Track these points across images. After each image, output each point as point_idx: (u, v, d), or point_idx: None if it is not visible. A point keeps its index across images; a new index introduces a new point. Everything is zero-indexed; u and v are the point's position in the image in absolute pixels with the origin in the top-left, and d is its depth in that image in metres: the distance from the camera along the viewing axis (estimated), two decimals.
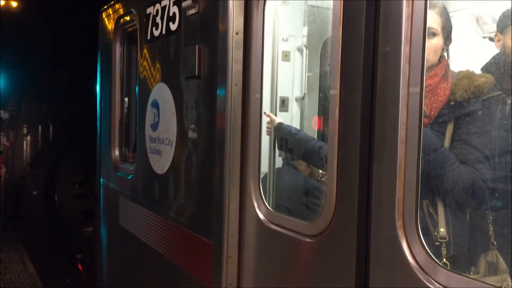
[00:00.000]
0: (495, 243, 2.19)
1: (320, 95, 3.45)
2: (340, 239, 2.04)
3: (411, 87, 1.74)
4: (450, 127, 2.30)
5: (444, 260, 2.09)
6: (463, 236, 2.26)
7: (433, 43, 2.36)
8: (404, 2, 1.76)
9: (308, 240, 2.22)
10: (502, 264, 2.16)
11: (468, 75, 2.29)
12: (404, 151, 1.76)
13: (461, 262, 2.22)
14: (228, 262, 2.62)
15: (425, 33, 1.73)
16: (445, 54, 2.43)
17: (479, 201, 2.21)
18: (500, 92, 2.23)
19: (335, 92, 2.06)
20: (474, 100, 2.21)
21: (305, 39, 3.69)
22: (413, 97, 1.74)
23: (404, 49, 1.76)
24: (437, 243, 2.17)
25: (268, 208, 2.60)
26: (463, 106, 2.26)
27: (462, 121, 2.26)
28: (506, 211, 2.12)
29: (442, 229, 2.19)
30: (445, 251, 2.14)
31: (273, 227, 2.49)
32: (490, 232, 2.22)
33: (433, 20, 2.35)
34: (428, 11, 2.34)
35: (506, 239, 2.14)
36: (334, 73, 2.06)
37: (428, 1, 1.74)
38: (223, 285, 2.64)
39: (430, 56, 2.36)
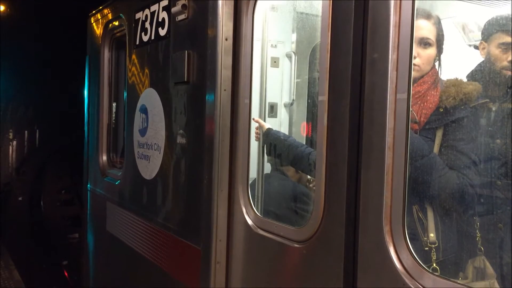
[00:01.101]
0: (482, 248, 2.23)
1: (309, 101, 3.48)
2: (328, 245, 2.05)
3: (399, 93, 1.76)
4: (439, 133, 2.34)
5: (434, 265, 2.11)
6: (452, 241, 2.29)
7: (428, 53, 2.42)
8: (392, 10, 1.78)
9: (296, 245, 2.23)
10: (490, 269, 2.19)
11: (456, 83, 2.33)
12: (392, 157, 1.78)
13: (449, 268, 2.24)
14: (216, 268, 2.61)
15: (412, 40, 1.75)
16: (437, 62, 2.47)
17: (467, 207, 2.24)
18: (487, 100, 2.27)
19: (323, 98, 2.07)
20: (462, 107, 2.25)
21: (294, 46, 3.72)
22: (401, 104, 1.76)
23: (392, 56, 1.78)
24: (427, 248, 2.19)
25: (256, 213, 2.60)
26: (451, 113, 2.29)
27: (451, 127, 2.29)
28: (492, 217, 2.15)
29: (431, 234, 2.21)
30: (434, 256, 2.16)
31: (262, 232, 2.49)
32: (477, 237, 2.25)
33: (429, 31, 2.41)
34: (425, 22, 2.40)
35: (492, 245, 2.17)
36: (323, 79, 2.08)
37: (415, 10, 1.77)
38: None
39: (424, 65, 2.42)
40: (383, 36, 1.80)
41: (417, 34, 2.39)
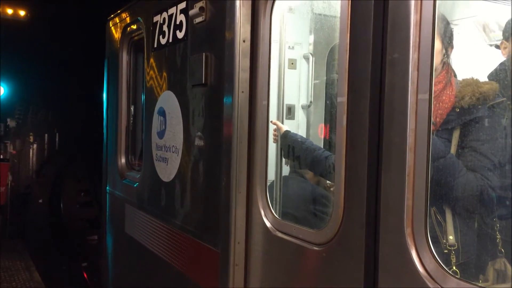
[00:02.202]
0: (503, 250, 2.18)
1: (327, 102, 3.45)
2: (348, 247, 2.03)
3: (420, 94, 1.73)
4: (456, 134, 2.30)
5: (454, 268, 2.07)
6: (471, 244, 2.25)
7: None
8: (412, 8, 1.76)
9: (315, 248, 2.21)
10: (510, 271, 2.14)
11: (472, 82, 2.29)
12: (413, 158, 1.75)
13: (470, 270, 2.20)
14: (235, 270, 2.61)
15: (434, 39, 1.73)
16: (448, 61, 2.42)
17: (487, 208, 2.20)
18: (505, 99, 2.23)
19: (342, 99, 2.05)
20: (479, 106, 2.21)
21: (311, 47, 3.70)
22: (422, 104, 1.73)
23: (413, 55, 1.75)
24: (446, 251, 2.15)
25: (275, 216, 2.59)
26: (468, 113, 2.25)
27: (468, 127, 2.25)
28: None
29: (451, 237, 2.17)
30: (454, 259, 2.12)
31: (280, 235, 2.48)
32: (498, 239, 2.21)
33: None
34: None
35: None
36: (342, 80, 2.06)
37: (437, 8, 1.74)
38: None
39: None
40: (403, 35, 1.77)
41: None
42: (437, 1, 1.74)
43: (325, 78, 3.76)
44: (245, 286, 2.63)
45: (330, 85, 3.60)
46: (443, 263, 1.74)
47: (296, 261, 2.37)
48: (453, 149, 2.29)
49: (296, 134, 3.10)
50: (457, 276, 1.77)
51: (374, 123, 1.90)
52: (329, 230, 2.14)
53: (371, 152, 1.91)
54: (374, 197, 1.91)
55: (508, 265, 2.15)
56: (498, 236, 2.19)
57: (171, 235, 3.39)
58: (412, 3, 1.76)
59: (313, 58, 3.73)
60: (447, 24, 2.38)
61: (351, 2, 2.03)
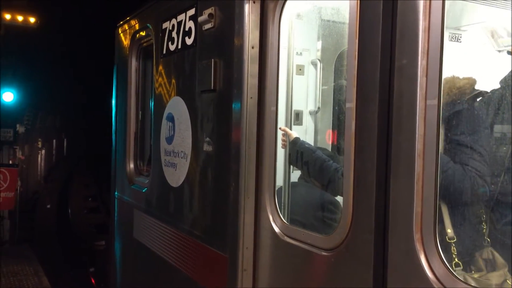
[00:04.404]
0: (489, 240, 2.22)
1: (336, 108, 3.46)
2: (357, 253, 2.02)
3: (429, 99, 1.74)
4: (439, 130, 2.34)
5: (456, 260, 2.08)
6: (469, 235, 2.27)
7: None
8: (421, 15, 1.77)
9: (324, 253, 2.21)
10: (499, 259, 2.17)
11: (450, 80, 2.34)
12: (422, 164, 1.75)
13: (472, 263, 2.20)
14: (243, 275, 2.61)
15: (442, 45, 1.73)
16: None
17: (476, 199, 2.23)
18: (480, 90, 2.28)
19: (351, 105, 2.06)
20: (458, 101, 2.25)
21: (319, 53, 3.71)
22: (431, 110, 1.73)
23: (421, 61, 1.76)
24: (446, 244, 2.16)
25: (283, 221, 2.59)
26: (447, 108, 2.27)
27: (450, 122, 2.27)
28: (499, 207, 2.14)
29: (449, 230, 2.18)
30: (455, 252, 2.13)
31: (289, 240, 2.48)
32: (484, 229, 2.22)
33: None
34: None
35: (502, 235, 2.14)
36: (350, 86, 2.06)
37: (446, 14, 1.75)
38: None
39: None
40: (412, 41, 1.78)
41: None
42: (445, 7, 1.75)
43: (333, 84, 3.76)
44: None
45: (338, 91, 3.61)
46: (446, 258, 1.74)
47: (305, 266, 2.37)
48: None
49: (305, 142, 3.10)
50: (467, 283, 1.76)
51: (383, 129, 1.90)
52: (337, 236, 2.14)
53: (379, 158, 1.91)
54: (383, 203, 1.91)
55: (496, 253, 2.18)
56: (484, 226, 2.22)
57: (179, 240, 3.40)
58: (421, 9, 1.76)
59: (321, 64, 3.74)
60: None
61: (359, 2, 2.04)
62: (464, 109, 2.27)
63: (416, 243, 1.76)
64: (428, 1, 1.75)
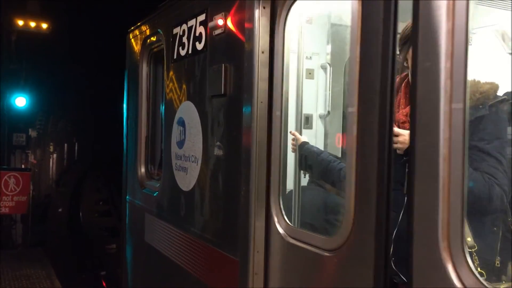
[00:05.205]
0: None
1: (345, 112, 3.46)
2: (358, 254, 2.05)
3: (454, 103, 1.68)
4: None
5: (479, 269, 2.04)
6: (489, 243, 2.24)
7: None
8: (444, 16, 1.71)
9: (326, 254, 2.23)
10: None
11: (472, 84, 2.29)
12: (448, 169, 1.68)
13: (492, 271, 2.17)
14: (254, 279, 2.62)
15: (467, 47, 1.67)
16: None
17: (498, 207, 2.20)
18: (505, 97, 2.24)
19: (353, 109, 2.09)
20: (480, 106, 2.22)
21: (328, 57, 3.72)
22: (456, 114, 1.67)
23: (446, 64, 1.69)
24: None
25: (288, 223, 2.61)
26: (470, 113, 2.24)
27: (471, 128, 2.22)
28: None
29: (469, 238, 2.17)
30: (477, 261, 2.11)
31: (293, 241, 2.50)
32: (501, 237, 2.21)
33: None
34: None
35: None
36: (352, 91, 2.08)
37: (469, 16, 1.68)
38: None
39: None
40: (435, 43, 1.72)
41: None
42: (470, 8, 1.68)
43: (342, 87, 3.77)
44: None
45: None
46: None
47: (308, 267, 2.39)
48: None
49: (312, 146, 3.11)
50: None
51: (383, 133, 1.91)
52: (339, 237, 2.16)
53: (380, 161, 1.93)
54: (384, 206, 1.91)
55: None
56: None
57: (190, 243, 3.42)
58: (444, 10, 1.71)
59: (331, 68, 3.75)
60: None
61: (361, 1, 2.05)
62: (487, 115, 2.22)
63: (443, 252, 1.68)
64: (451, 1, 1.69)
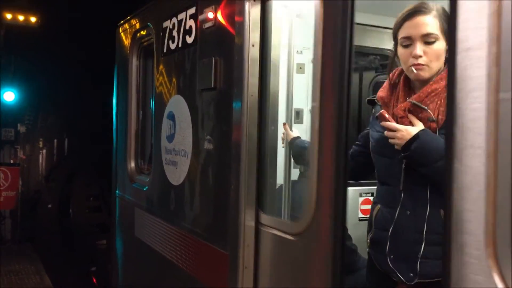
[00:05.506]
0: None
1: None
2: (319, 238, 2.19)
3: (502, 92, 1.48)
4: None
5: None
6: None
7: (435, 49, 2.36)
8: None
9: (291, 238, 2.37)
10: None
11: None
12: (494, 166, 1.48)
13: None
14: (244, 273, 2.62)
15: None
16: None
17: None
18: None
19: (315, 104, 2.21)
20: None
21: None
22: (504, 104, 1.47)
23: (491, 49, 1.49)
24: None
25: (262, 212, 2.65)
26: None
27: None
28: None
29: None
30: None
31: (265, 229, 2.60)
32: None
33: (431, 26, 2.35)
34: (423, 17, 2.34)
35: None
36: (316, 86, 2.21)
37: None
38: None
39: (433, 63, 2.37)
40: (478, 26, 1.52)
41: (417, 31, 2.35)
42: None
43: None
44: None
45: None
46: None
47: (279, 251, 2.51)
48: None
49: (304, 141, 3.09)
50: None
51: (341, 127, 2.05)
52: (303, 221, 2.28)
53: (338, 150, 2.07)
54: (341, 193, 2.06)
55: None
56: None
57: (180, 238, 3.41)
58: None
59: None
60: (442, 16, 2.36)
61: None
62: None
63: (488, 260, 1.46)
64: None
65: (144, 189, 4.15)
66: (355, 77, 5.00)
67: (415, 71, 2.38)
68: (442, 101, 2.31)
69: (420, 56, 2.36)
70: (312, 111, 2.24)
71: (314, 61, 2.25)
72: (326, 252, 2.12)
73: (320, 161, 2.17)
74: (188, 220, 3.34)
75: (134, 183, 4.44)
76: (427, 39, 2.36)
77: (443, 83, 2.32)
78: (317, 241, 2.20)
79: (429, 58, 2.37)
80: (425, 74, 2.39)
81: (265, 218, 2.63)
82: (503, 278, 1.40)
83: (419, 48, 2.36)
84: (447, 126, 1.66)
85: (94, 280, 10.26)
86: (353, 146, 2.95)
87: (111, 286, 5.32)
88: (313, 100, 2.22)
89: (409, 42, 2.40)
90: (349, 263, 3.66)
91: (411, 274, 2.36)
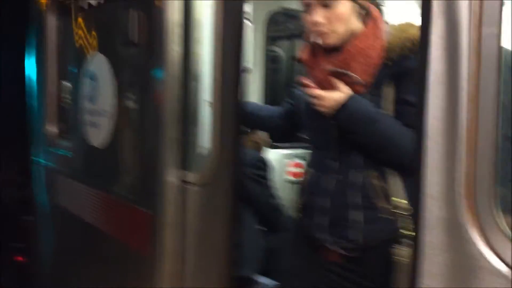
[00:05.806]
0: None
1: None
2: (221, 187, 2.42)
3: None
4: (388, 90, 2.27)
5: None
6: None
7: (338, 13, 2.17)
8: None
9: (196, 188, 2.57)
10: None
11: (403, 29, 2.22)
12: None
13: None
14: (168, 231, 2.58)
15: None
16: (375, 14, 2.28)
17: None
18: None
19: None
20: (413, 56, 2.09)
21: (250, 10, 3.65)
22: None
23: None
24: None
25: (182, 170, 2.64)
26: (400, 65, 2.20)
27: (402, 81, 2.22)
28: None
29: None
30: None
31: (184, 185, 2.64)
32: None
33: None
34: None
35: None
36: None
37: None
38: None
39: (338, 27, 2.19)
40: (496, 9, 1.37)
41: None
42: None
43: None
44: (181, 246, 2.60)
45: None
46: None
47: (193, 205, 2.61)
48: (387, 106, 2.27)
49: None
50: None
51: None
52: (206, 172, 2.49)
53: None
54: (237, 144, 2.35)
55: None
56: None
57: (106, 202, 3.29)
58: None
59: (253, 26, 3.69)
60: None
61: None
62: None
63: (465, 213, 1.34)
64: None
65: (65, 153, 3.95)
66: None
67: (317, 40, 2.22)
68: (367, 59, 2.23)
69: (320, 23, 2.17)
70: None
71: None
72: (222, 201, 2.39)
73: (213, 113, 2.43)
74: (113, 182, 3.22)
75: (55, 148, 4.20)
76: (325, 3, 2.16)
77: (368, 41, 2.23)
78: (213, 190, 2.46)
79: (331, 23, 2.17)
80: (330, 40, 2.21)
81: (189, 176, 2.61)
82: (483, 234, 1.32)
83: (317, 14, 2.17)
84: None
85: (21, 258, 9.81)
86: (285, 104, 2.92)
87: (38, 261, 5.09)
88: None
89: (307, 7, 2.22)
90: (274, 222, 3.72)
91: (344, 241, 2.30)
